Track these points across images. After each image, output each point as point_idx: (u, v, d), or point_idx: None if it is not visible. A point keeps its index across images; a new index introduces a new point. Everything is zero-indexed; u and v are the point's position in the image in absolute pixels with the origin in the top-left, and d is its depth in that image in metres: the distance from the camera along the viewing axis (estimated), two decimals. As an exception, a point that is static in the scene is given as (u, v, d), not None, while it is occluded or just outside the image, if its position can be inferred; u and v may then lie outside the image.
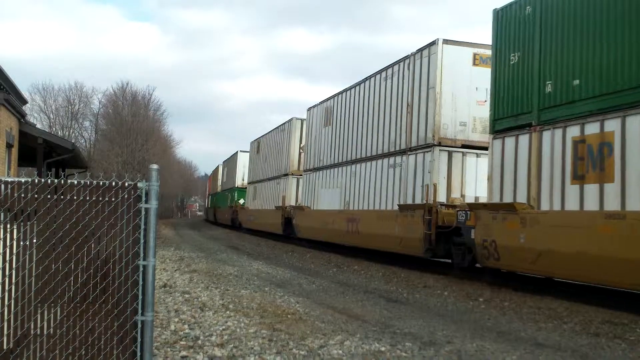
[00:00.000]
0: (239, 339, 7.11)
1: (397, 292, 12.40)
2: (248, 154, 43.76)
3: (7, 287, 4.42)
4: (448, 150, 16.25)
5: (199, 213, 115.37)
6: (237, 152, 47.51)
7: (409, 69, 17.91)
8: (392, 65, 19.22)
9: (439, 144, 16.14)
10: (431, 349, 7.05)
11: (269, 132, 36.18)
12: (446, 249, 15.23)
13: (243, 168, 45.36)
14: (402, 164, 17.82)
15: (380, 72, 20.17)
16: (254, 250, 24.03)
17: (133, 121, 53.53)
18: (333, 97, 24.67)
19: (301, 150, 29.53)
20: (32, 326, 4.45)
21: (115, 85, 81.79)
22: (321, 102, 26.19)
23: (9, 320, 4.41)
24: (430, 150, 16.38)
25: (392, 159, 18.52)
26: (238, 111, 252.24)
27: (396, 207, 17.61)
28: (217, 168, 63.59)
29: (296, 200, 29.08)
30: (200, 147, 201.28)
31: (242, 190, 44.59)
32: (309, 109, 27.70)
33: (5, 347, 4.41)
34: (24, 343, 4.42)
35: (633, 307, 10.08)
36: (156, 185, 4.59)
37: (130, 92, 57.55)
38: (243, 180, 45.17)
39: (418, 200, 16.55)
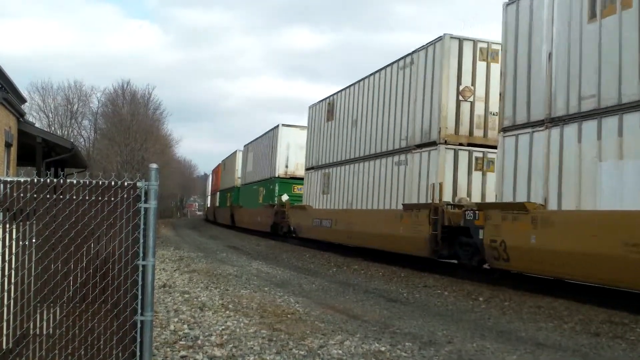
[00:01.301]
0: (239, 338, 7.10)
1: (397, 291, 12.38)
2: (297, 129, 32.54)
3: (6, 287, 4.41)
4: None
5: (199, 213, 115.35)
6: (277, 126, 33.66)
7: None
8: None
9: None
10: (431, 348, 7.04)
11: (365, 77, 21.62)
12: None
13: (287, 150, 32.87)
14: None
15: None
16: (254, 250, 24.02)
17: (132, 120, 53.52)
18: None
19: (461, 98, 16.32)
20: (31, 326, 4.43)
21: (115, 83, 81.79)
22: None
23: (8, 320, 4.40)
24: None
25: None
26: (238, 110, 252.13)
27: None
28: (232, 156, 48.86)
29: (454, 193, 16.05)
30: (200, 146, 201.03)
31: (285, 182, 32.46)
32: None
33: (4, 346, 4.40)
34: (23, 343, 4.41)
35: (633, 307, 10.07)
36: (155, 184, 4.58)
37: (129, 90, 57.67)
38: (287, 167, 32.88)
39: None
